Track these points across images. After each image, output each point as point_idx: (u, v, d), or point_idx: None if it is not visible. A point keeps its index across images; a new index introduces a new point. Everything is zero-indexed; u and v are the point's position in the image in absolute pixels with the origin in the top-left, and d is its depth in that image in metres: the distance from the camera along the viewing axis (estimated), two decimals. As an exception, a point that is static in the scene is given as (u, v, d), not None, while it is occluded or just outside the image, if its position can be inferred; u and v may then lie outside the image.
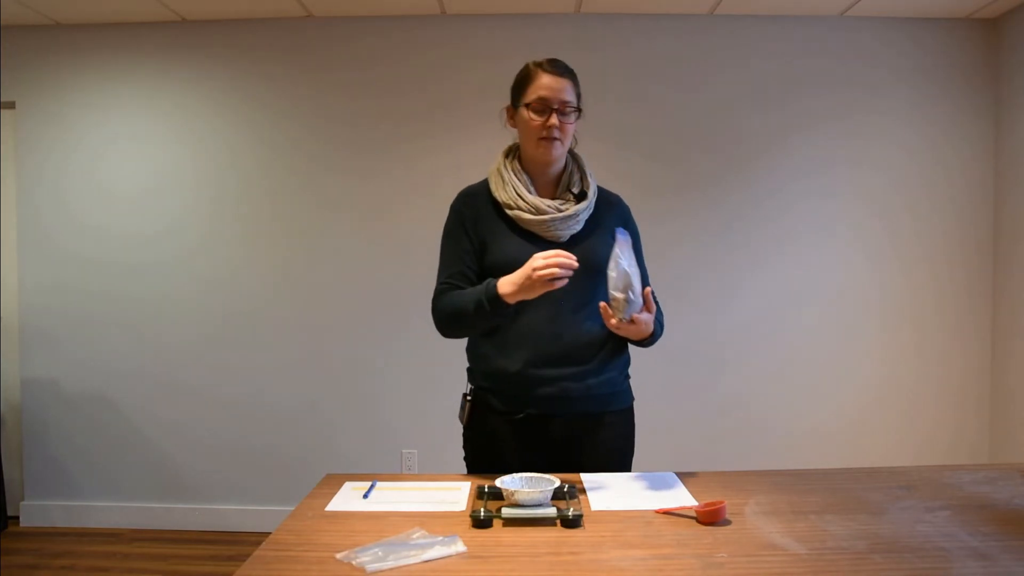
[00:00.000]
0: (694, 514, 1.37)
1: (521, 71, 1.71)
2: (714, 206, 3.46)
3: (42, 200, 3.55)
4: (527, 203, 1.68)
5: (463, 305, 1.64)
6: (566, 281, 1.51)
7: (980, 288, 3.46)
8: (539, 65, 1.67)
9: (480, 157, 3.32)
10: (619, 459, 1.79)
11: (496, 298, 1.57)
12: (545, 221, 1.67)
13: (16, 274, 3.59)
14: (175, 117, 3.53)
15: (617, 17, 3.43)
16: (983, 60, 3.43)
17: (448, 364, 3.45)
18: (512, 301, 1.56)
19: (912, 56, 3.43)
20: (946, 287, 3.46)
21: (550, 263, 1.49)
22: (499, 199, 1.71)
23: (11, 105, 3.55)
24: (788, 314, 3.47)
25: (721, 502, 1.36)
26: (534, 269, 1.50)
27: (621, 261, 1.49)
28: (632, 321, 1.52)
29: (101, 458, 3.57)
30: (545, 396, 1.69)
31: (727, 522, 1.35)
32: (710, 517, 1.34)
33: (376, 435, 3.52)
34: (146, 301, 3.54)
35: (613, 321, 1.52)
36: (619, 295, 1.49)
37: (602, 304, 1.53)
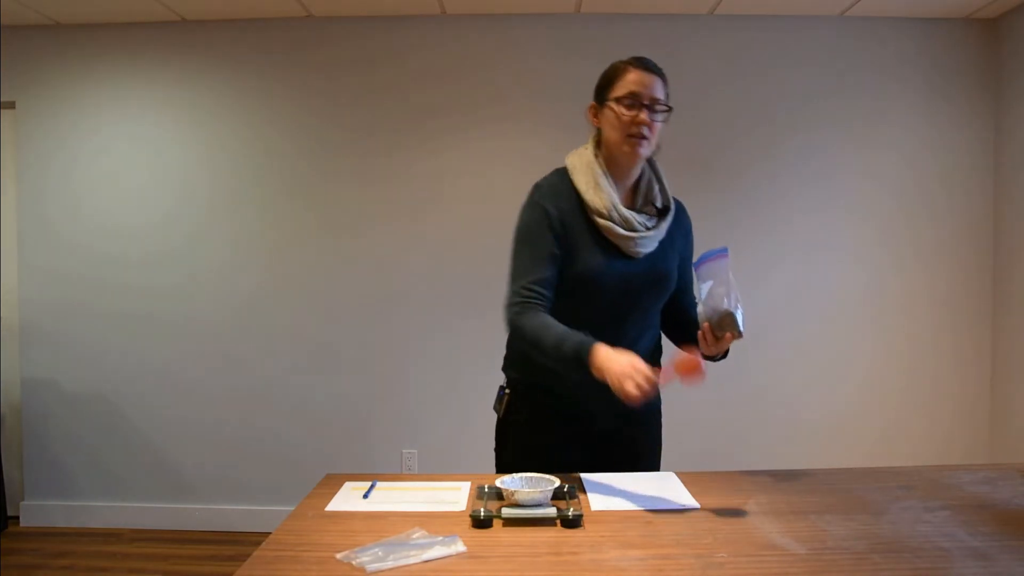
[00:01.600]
0: (676, 376, 1.40)
1: (608, 69, 1.66)
2: (714, 206, 3.46)
3: (42, 200, 3.55)
4: (619, 215, 1.61)
5: (550, 344, 1.51)
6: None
7: (980, 288, 3.46)
8: (627, 62, 1.63)
9: (480, 156, 3.35)
10: (650, 455, 1.81)
11: (586, 367, 1.47)
12: (633, 238, 1.62)
13: (16, 274, 3.59)
14: (175, 117, 3.53)
15: (617, 17, 3.43)
16: (983, 60, 3.43)
17: (449, 364, 3.47)
18: (597, 376, 1.44)
19: (912, 56, 3.43)
20: (946, 287, 3.46)
21: (638, 392, 1.38)
22: (592, 204, 1.61)
23: (11, 105, 3.55)
24: (788, 315, 3.47)
25: (697, 359, 1.39)
26: (624, 386, 1.39)
27: (732, 280, 1.49)
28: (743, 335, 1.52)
29: (101, 458, 3.57)
30: (595, 402, 1.61)
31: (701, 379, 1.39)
32: (687, 369, 1.38)
33: (376, 435, 3.52)
34: (146, 301, 3.54)
35: (728, 336, 1.51)
36: (737, 313, 1.50)
37: (713, 323, 1.51)
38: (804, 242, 3.47)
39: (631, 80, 1.60)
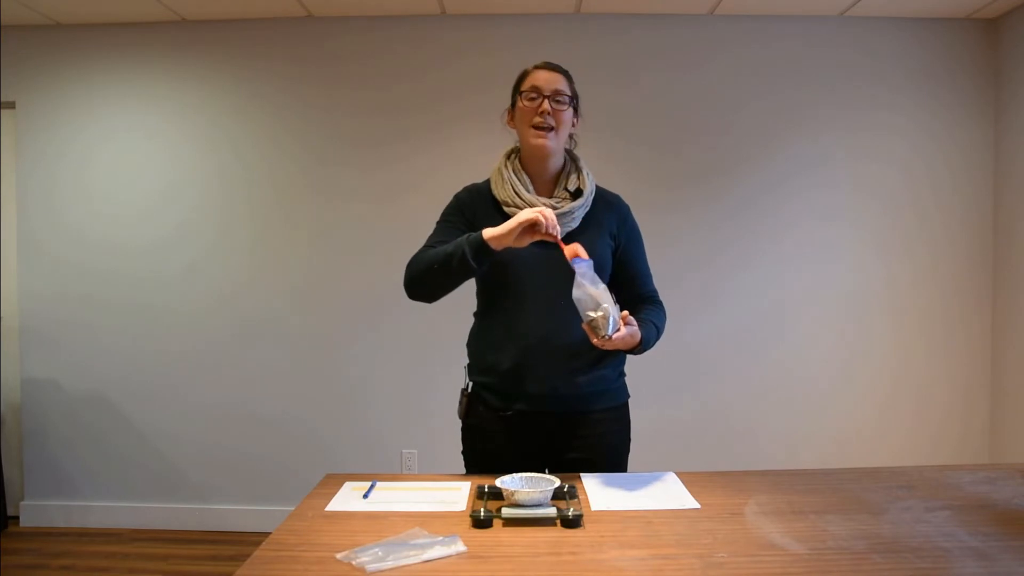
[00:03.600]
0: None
1: (518, 75, 1.78)
2: (715, 206, 3.46)
3: (42, 200, 3.55)
4: (524, 201, 1.71)
5: (439, 252, 1.64)
6: (550, 233, 1.53)
7: (979, 288, 3.46)
8: (535, 65, 1.76)
9: (479, 156, 3.33)
10: (613, 456, 1.80)
11: (481, 244, 1.57)
12: None
13: (16, 274, 3.59)
14: (175, 117, 3.53)
15: (617, 17, 3.43)
16: (983, 60, 3.43)
17: (448, 364, 3.46)
18: (497, 246, 1.57)
19: (912, 56, 3.43)
20: (944, 287, 3.46)
21: (535, 215, 1.53)
22: (498, 197, 1.75)
23: (11, 105, 3.55)
24: (788, 317, 3.47)
25: (576, 249, 1.53)
26: (521, 221, 1.53)
27: (586, 285, 1.49)
28: (611, 338, 1.50)
29: (101, 458, 3.57)
30: (535, 393, 1.72)
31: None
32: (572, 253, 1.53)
33: (376, 435, 3.52)
34: (146, 301, 3.54)
35: (595, 341, 1.51)
36: (593, 314, 1.49)
37: (584, 325, 1.52)
38: (803, 243, 3.46)
39: (534, 77, 1.73)
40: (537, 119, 1.69)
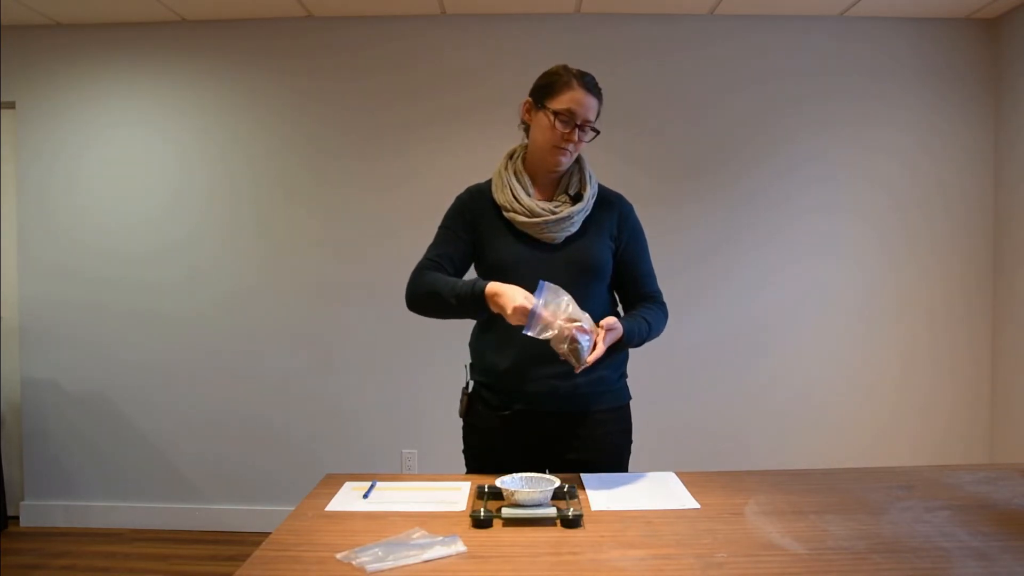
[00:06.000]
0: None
1: (555, 73, 1.71)
2: (715, 206, 3.46)
3: (42, 200, 3.55)
4: (522, 206, 1.71)
5: (445, 287, 1.66)
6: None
7: (980, 288, 3.46)
8: (575, 76, 1.69)
9: (479, 155, 3.35)
10: (613, 457, 1.80)
11: (483, 297, 1.58)
12: (539, 223, 1.70)
13: (17, 273, 3.59)
14: (175, 116, 3.53)
15: (617, 17, 3.43)
16: (983, 60, 3.43)
17: (449, 364, 3.46)
18: (491, 307, 1.58)
19: (912, 56, 3.43)
20: (946, 287, 3.46)
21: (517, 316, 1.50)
22: (497, 201, 1.75)
23: (11, 105, 3.55)
24: (788, 317, 3.47)
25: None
26: (514, 310, 1.50)
27: (545, 332, 1.48)
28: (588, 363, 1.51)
29: (101, 458, 3.57)
30: (534, 392, 1.72)
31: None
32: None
33: (376, 435, 3.52)
34: (146, 300, 3.54)
35: (579, 369, 1.51)
36: (564, 347, 1.48)
37: (563, 359, 1.52)
38: (804, 243, 3.46)
39: (572, 97, 1.67)
40: (561, 143, 1.69)
